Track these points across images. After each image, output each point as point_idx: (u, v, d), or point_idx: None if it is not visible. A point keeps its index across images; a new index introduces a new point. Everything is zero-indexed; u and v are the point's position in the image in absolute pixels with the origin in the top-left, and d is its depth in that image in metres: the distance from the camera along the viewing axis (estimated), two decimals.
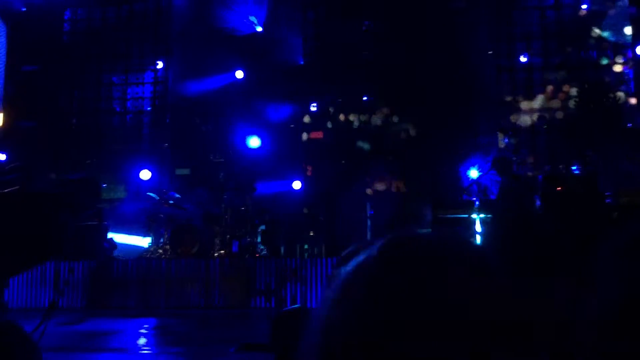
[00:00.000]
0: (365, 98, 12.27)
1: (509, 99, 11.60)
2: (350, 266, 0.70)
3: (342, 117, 11.79)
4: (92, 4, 12.33)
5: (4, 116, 12.36)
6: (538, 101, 11.61)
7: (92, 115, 12.14)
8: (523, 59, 11.70)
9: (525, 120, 11.51)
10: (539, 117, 11.50)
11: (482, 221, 8.75)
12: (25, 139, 12.47)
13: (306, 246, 11.36)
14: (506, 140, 11.12)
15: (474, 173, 10.50)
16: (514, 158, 9.96)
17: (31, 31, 12.70)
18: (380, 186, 11.69)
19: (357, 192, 11.45)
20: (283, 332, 3.65)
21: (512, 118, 11.50)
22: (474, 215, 9.36)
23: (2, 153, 12.27)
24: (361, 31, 11.97)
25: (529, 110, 11.57)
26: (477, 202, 9.28)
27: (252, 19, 12.32)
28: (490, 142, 11.22)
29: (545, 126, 11.14)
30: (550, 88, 11.51)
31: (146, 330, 7.81)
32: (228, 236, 10.60)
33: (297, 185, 11.38)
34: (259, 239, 11.11)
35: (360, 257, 0.70)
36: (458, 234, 0.75)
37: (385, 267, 0.66)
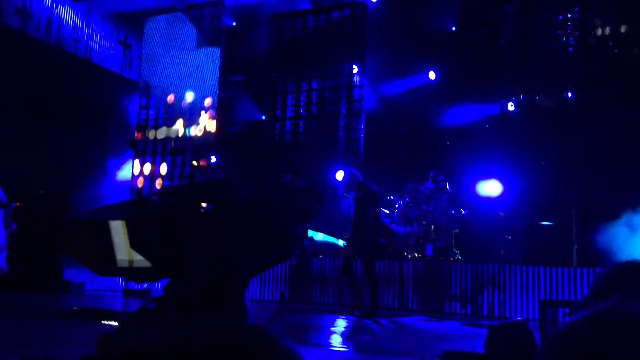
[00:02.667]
0: (568, 94, 11.40)
1: None
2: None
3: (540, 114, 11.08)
4: (294, 15, 13.09)
5: (217, 123, 13.63)
6: None
7: (292, 121, 12.88)
8: None
9: None
10: None
11: None
12: (234, 144, 13.65)
13: (502, 252, 10.88)
14: None
15: None
16: None
17: (240, 43, 13.85)
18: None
19: (559, 196, 10.66)
20: (502, 345, 3.46)
21: None
22: None
23: (214, 156, 13.55)
24: (561, 23, 11.14)
25: None
26: None
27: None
28: None
29: None
30: None
31: (343, 328, 8.03)
32: (422, 240, 10.55)
33: (494, 187, 10.92)
34: (453, 242, 10.89)
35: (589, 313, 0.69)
36: None
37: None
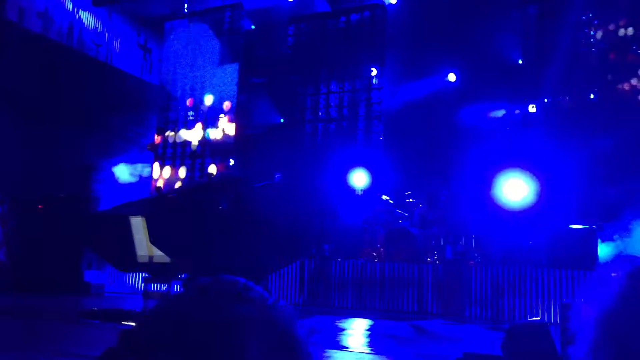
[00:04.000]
0: (591, 96, 11.23)
1: None
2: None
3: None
4: (313, 17, 13.10)
5: (236, 126, 13.67)
6: None
7: (311, 123, 12.86)
8: None
9: None
10: None
11: None
12: (253, 147, 13.67)
13: (524, 255, 10.73)
14: None
15: None
16: None
17: (259, 46, 13.90)
18: None
19: (583, 199, 10.48)
20: (519, 346, 3.40)
21: None
22: None
23: (232, 159, 13.59)
24: (590, 23, 10.98)
25: None
26: None
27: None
28: None
29: None
30: None
31: (363, 331, 7.98)
32: (442, 242, 10.46)
33: (515, 190, 10.77)
34: (473, 245, 10.78)
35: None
36: None
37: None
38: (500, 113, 12.14)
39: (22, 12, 11.79)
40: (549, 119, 10.92)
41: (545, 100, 10.85)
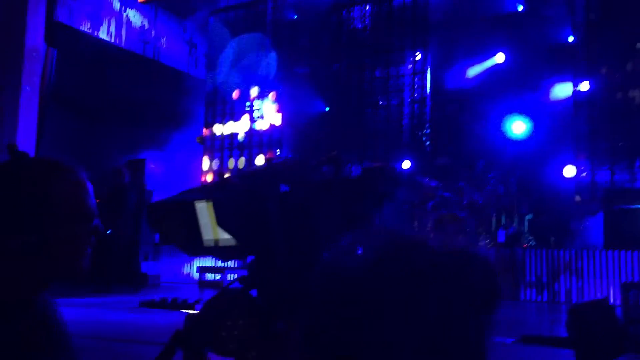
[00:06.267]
0: None
1: None
2: None
3: (620, 95, 10.56)
4: (355, 4, 13.04)
5: (282, 116, 13.76)
6: None
7: (357, 110, 12.83)
8: None
9: None
10: None
11: None
12: (299, 136, 13.75)
13: (579, 237, 10.51)
14: None
15: None
16: None
17: (302, 36, 13.93)
18: None
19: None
20: (584, 325, 3.35)
21: None
22: None
23: (279, 149, 13.70)
24: None
25: None
26: None
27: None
28: None
29: None
30: None
31: None
32: (493, 226, 10.33)
33: (569, 171, 10.55)
34: (526, 229, 10.61)
35: None
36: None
37: None
38: (554, 92, 11.83)
39: (72, 13, 12.13)
40: (603, 95, 10.60)
41: (599, 76, 10.52)
